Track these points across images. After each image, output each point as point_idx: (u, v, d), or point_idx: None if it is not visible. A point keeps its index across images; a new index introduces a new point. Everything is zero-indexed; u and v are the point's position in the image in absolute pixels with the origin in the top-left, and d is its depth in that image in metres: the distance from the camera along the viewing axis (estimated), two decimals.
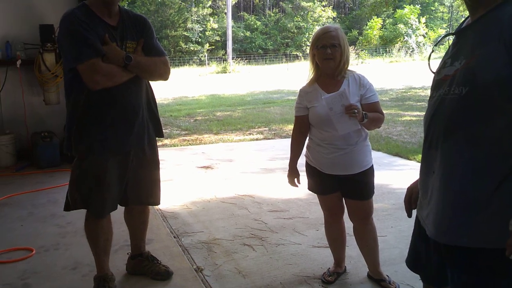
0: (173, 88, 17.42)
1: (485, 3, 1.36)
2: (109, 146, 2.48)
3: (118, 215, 2.75)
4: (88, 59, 2.31)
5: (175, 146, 7.47)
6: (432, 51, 1.77)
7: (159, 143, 7.67)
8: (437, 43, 2.17)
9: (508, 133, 1.28)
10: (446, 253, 1.43)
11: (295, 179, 2.75)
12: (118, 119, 2.48)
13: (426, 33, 36.29)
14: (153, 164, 2.75)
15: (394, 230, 3.57)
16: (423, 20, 35.49)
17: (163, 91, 15.95)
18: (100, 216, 2.60)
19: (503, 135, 1.28)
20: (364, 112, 2.45)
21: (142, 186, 2.72)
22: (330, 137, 2.53)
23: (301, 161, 2.74)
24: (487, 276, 1.33)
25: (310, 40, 2.64)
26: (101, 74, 2.35)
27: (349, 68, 2.60)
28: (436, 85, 1.48)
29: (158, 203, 2.87)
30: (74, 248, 3.35)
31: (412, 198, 1.66)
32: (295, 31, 41.09)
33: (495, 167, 1.29)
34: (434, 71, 1.54)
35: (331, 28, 2.54)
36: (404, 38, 35.27)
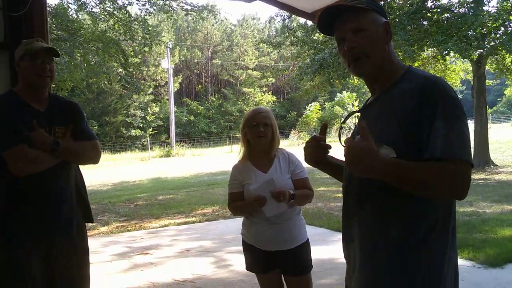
0: (113, 174, 17.04)
1: (380, 84, 1.50)
2: (33, 234, 2.33)
3: None
4: (13, 147, 2.25)
5: (112, 233, 7.12)
6: (341, 127, 1.90)
7: (93, 232, 7.26)
8: (345, 120, 2.31)
9: (413, 204, 1.34)
10: None
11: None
12: (44, 204, 2.36)
13: None
14: (83, 254, 2.56)
15: None
16: (356, 103, 38.05)
17: (102, 177, 15.56)
18: None
19: (408, 206, 1.35)
20: (292, 193, 2.51)
21: (71, 281, 2.51)
22: (264, 213, 2.55)
23: (239, 236, 2.70)
24: None
25: (242, 120, 2.75)
26: (27, 161, 2.27)
27: (290, 148, 2.71)
28: None
29: None
30: None
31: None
32: (237, 114, 42.48)
33: (401, 237, 1.34)
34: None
35: (262, 110, 2.69)
36: (341, 119, 37.44)
